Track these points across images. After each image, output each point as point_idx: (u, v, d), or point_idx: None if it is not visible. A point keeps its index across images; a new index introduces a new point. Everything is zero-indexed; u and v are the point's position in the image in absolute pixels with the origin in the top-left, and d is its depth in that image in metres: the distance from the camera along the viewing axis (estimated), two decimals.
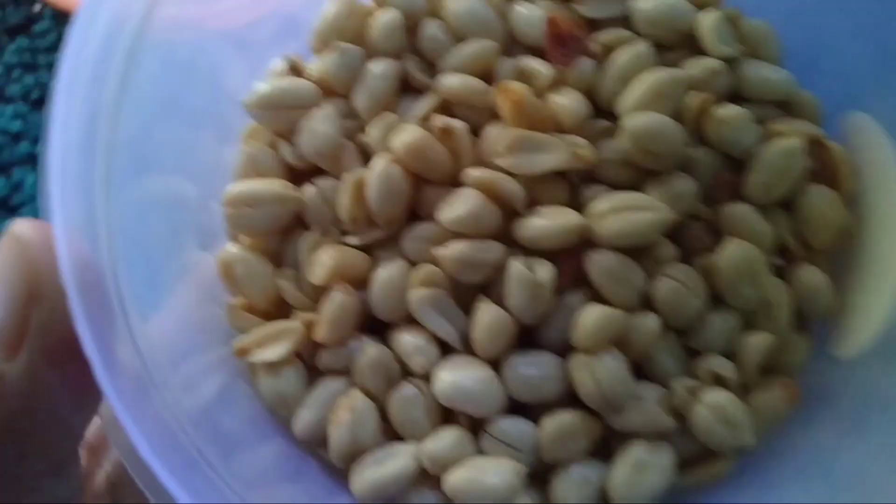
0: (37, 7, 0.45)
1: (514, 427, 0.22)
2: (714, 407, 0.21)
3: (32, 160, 0.43)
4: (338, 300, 0.23)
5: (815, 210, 0.22)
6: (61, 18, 0.44)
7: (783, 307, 0.22)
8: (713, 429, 0.21)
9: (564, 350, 0.22)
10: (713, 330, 0.22)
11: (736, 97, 0.23)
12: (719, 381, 0.21)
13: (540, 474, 0.22)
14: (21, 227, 0.17)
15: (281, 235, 0.25)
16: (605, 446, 0.22)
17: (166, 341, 0.22)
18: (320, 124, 0.24)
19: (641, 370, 0.22)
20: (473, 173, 0.23)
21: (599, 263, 0.22)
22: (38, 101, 0.44)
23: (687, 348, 0.22)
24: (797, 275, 0.22)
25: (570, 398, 0.22)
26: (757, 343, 0.21)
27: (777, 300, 0.22)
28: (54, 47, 0.45)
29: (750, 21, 0.24)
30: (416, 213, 0.24)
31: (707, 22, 0.23)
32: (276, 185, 0.24)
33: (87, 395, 0.17)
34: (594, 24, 0.25)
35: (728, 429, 0.21)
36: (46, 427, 0.17)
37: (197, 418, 0.21)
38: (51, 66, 0.44)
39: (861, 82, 0.23)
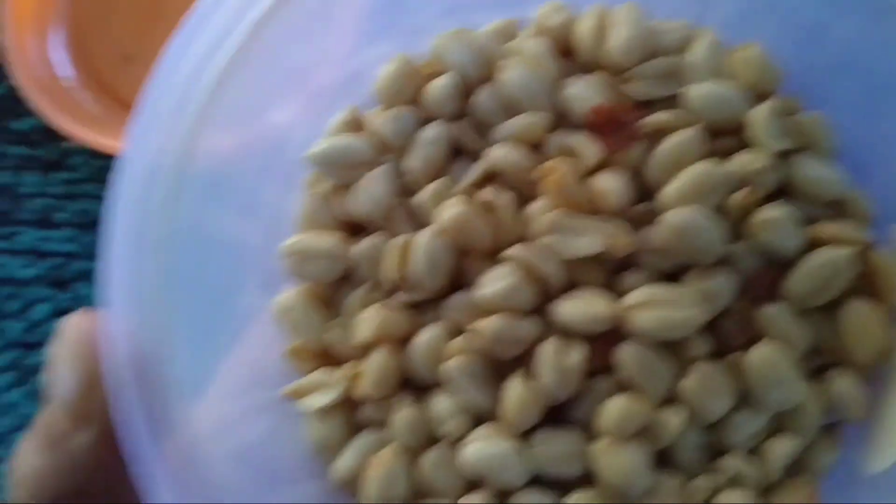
0: (67, 144, 0.50)
1: (539, 501, 0.23)
2: None
3: (88, 276, 0.47)
4: (381, 360, 0.24)
5: (857, 325, 0.22)
6: (92, 153, 0.49)
7: (812, 412, 0.22)
8: None
9: (590, 430, 0.23)
10: (740, 430, 0.22)
11: (784, 193, 0.23)
12: (739, 479, 0.22)
13: None
14: (79, 316, 0.19)
15: (334, 285, 0.26)
16: None
17: (224, 386, 0.24)
18: (373, 185, 0.25)
19: (665, 461, 0.23)
20: (514, 252, 0.23)
21: (630, 354, 0.22)
22: (87, 224, 0.48)
23: (712, 445, 0.23)
24: (831, 380, 0.22)
25: (591, 475, 0.23)
26: (782, 446, 0.22)
27: (807, 404, 0.22)
28: (91, 178, 0.50)
29: (805, 114, 0.23)
30: (459, 282, 0.25)
31: (760, 115, 0.23)
32: (328, 243, 0.26)
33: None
34: (647, 105, 0.25)
35: None
36: (109, 494, 0.19)
37: (239, 454, 0.23)
38: (91, 195, 0.49)
39: None
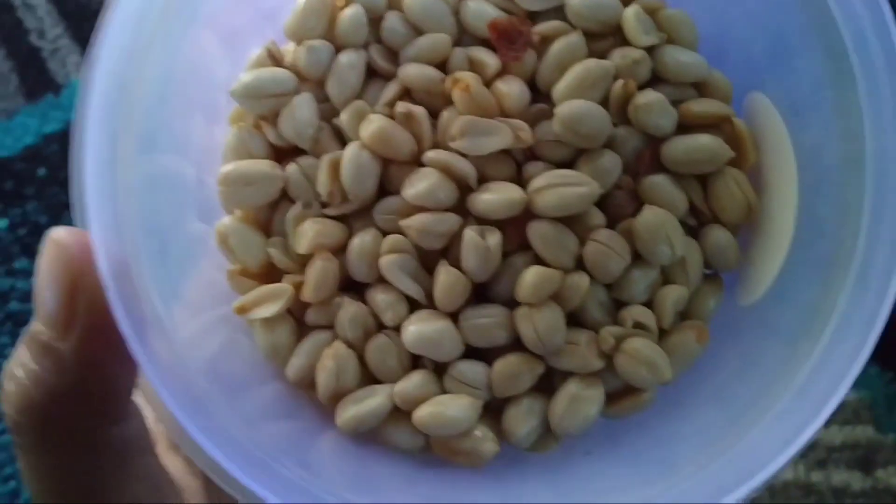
0: None
1: (471, 369, 0.26)
2: (634, 352, 0.25)
3: None
4: (320, 265, 0.27)
5: (723, 190, 0.26)
6: None
7: (694, 263, 0.26)
8: (635, 370, 0.25)
9: (511, 303, 0.26)
10: (636, 284, 0.26)
11: (657, 80, 0.27)
12: (641, 326, 0.26)
13: (494, 407, 0.27)
14: (58, 232, 0.21)
15: (269, 208, 0.29)
16: (548, 383, 0.27)
17: (185, 306, 0.26)
18: (300, 111, 0.28)
19: (576, 319, 0.26)
20: (431, 155, 0.26)
21: (538, 231, 0.26)
22: None
23: (615, 300, 0.26)
24: (707, 235, 0.26)
25: (516, 343, 0.26)
26: (671, 294, 0.26)
27: (689, 257, 0.26)
28: None
29: (669, 11, 0.27)
30: (385, 188, 0.28)
31: (630, 14, 0.26)
32: (263, 165, 0.28)
33: (128, 355, 0.21)
34: (534, 16, 0.28)
35: (648, 369, 0.25)
36: (102, 387, 0.21)
37: (206, 366, 0.26)
38: None
39: (760, 66, 0.26)
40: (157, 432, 0.25)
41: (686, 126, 0.27)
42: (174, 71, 0.28)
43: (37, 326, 0.21)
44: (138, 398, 0.24)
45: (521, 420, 0.26)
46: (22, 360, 0.21)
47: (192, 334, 0.25)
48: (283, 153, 0.29)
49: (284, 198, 0.29)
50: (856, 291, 0.22)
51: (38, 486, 0.22)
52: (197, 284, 0.28)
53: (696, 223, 0.27)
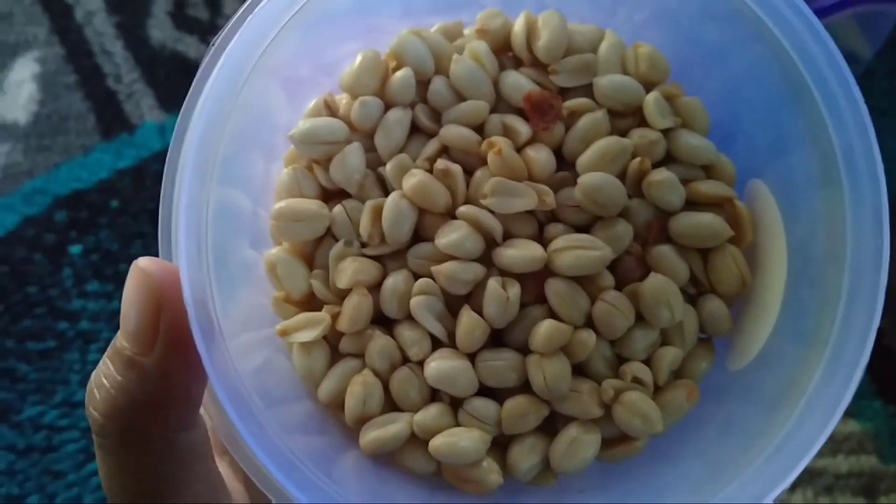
0: None
1: (483, 406, 0.29)
2: (631, 404, 0.28)
3: None
4: (356, 300, 0.30)
5: (721, 264, 0.29)
6: None
7: (690, 328, 0.29)
8: (630, 420, 0.28)
9: (524, 349, 0.29)
10: (637, 343, 0.29)
11: (670, 159, 0.30)
12: (638, 381, 0.29)
13: (501, 443, 0.30)
14: (143, 261, 0.24)
15: (314, 243, 0.32)
16: (552, 425, 0.29)
17: (233, 324, 0.30)
18: (350, 158, 0.31)
19: (581, 370, 0.29)
20: (463, 210, 0.30)
21: (555, 288, 0.29)
22: None
23: (617, 355, 0.29)
24: (704, 303, 0.29)
25: (525, 386, 0.29)
26: (668, 354, 0.29)
27: (686, 322, 0.29)
28: None
29: (685, 98, 0.30)
30: (420, 235, 0.31)
31: (650, 100, 0.29)
32: (313, 205, 0.31)
33: (200, 371, 0.24)
34: (565, 92, 0.31)
35: (642, 420, 0.28)
36: (177, 397, 0.25)
37: (250, 380, 0.29)
38: None
39: (762, 156, 0.29)
40: (213, 440, 0.29)
41: (693, 203, 0.30)
42: (245, 116, 0.32)
43: (121, 342, 0.24)
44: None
45: (525, 456, 0.29)
46: (108, 371, 0.24)
47: (239, 350, 0.29)
48: (329, 195, 0.32)
49: (328, 235, 0.32)
50: (827, 372, 0.25)
51: (115, 485, 0.25)
52: (244, 305, 0.31)
53: (694, 292, 0.30)
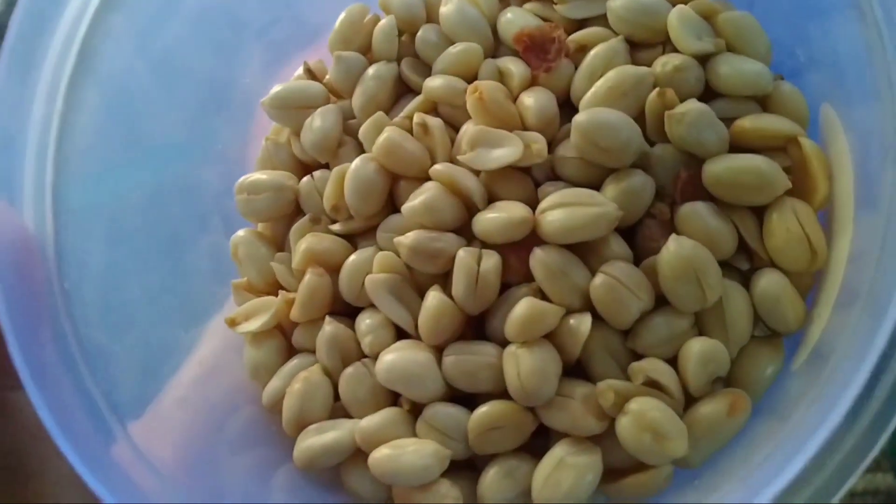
0: None
1: (448, 413, 0.22)
2: (639, 414, 0.20)
3: None
4: (308, 282, 0.24)
5: (782, 225, 0.21)
6: None
7: (739, 315, 0.20)
8: (637, 436, 0.20)
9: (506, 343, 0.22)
10: (655, 333, 0.21)
11: (713, 94, 0.22)
12: (656, 386, 0.20)
13: (480, 467, 0.22)
14: None
15: (287, 222, 0.27)
16: (544, 445, 0.22)
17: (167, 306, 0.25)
18: (320, 120, 0.26)
19: (583, 371, 0.22)
20: (435, 167, 0.24)
21: (540, 258, 0.22)
22: None
23: (632, 352, 0.21)
24: (757, 280, 0.21)
25: (506, 393, 0.22)
26: (698, 348, 0.20)
27: (732, 306, 0.20)
28: None
29: (729, 14, 0.22)
30: (397, 207, 0.25)
31: (675, 17, 0.22)
32: (276, 175, 0.27)
33: None
34: (578, 25, 0.25)
35: (653, 437, 0.19)
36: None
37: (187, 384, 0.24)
38: None
39: (838, 75, 0.21)
40: None
41: (742, 149, 0.22)
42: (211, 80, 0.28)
43: None
44: None
45: (497, 485, 0.21)
46: None
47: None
48: (309, 168, 0.27)
49: (302, 213, 0.27)
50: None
51: None
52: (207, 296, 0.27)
53: (748, 267, 0.21)
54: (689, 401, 0.21)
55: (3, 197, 0.20)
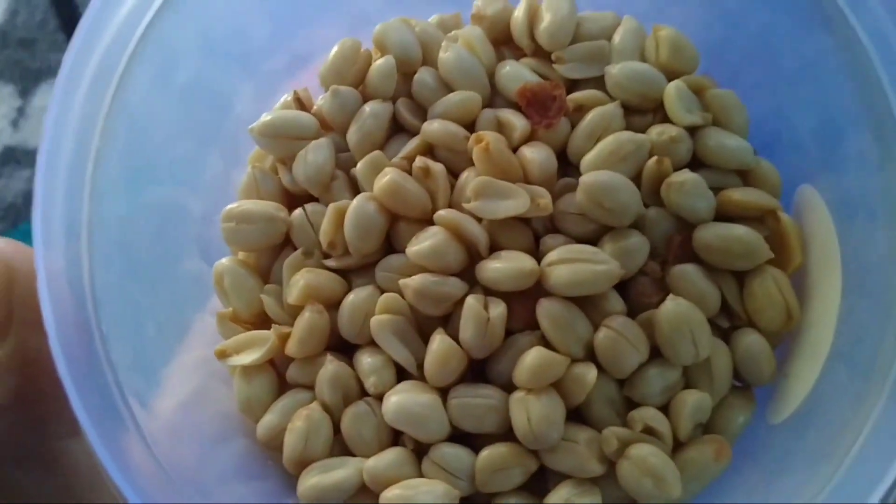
0: None
1: (453, 454, 0.23)
2: (640, 460, 0.22)
3: None
4: (307, 318, 0.25)
5: (763, 290, 0.23)
6: None
7: (721, 369, 0.23)
8: (638, 481, 0.22)
9: (510, 387, 0.23)
10: (651, 383, 0.23)
11: (699, 164, 0.24)
12: (651, 432, 0.22)
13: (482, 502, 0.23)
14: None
15: (272, 253, 0.27)
16: (542, 485, 0.23)
17: (160, 342, 0.25)
18: (314, 154, 0.26)
19: (581, 416, 0.23)
20: (442, 213, 0.24)
21: (547, 309, 0.23)
22: None
23: (627, 399, 0.23)
24: (739, 339, 0.23)
25: (509, 434, 0.23)
26: (690, 399, 0.22)
27: (716, 361, 0.23)
28: None
29: (716, 91, 0.25)
30: (394, 247, 0.26)
31: (672, 91, 0.24)
32: (268, 207, 0.26)
33: None
34: (575, 84, 0.26)
35: (654, 482, 0.21)
36: (52, 391, 0.19)
37: (173, 416, 0.24)
38: None
39: (810, 154, 0.24)
40: None
41: (726, 217, 0.24)
42: (195, 101, 0.27)
43: None
44: None
45: None
46: None
47: (161, 370, 0.24)
48: (295, 200, 0.27)
49: (290, 246, 0.27)
50: (890, 406, 0.18)
51: None
52: (180, 323, 0.26)
53: (728, 325, 0.24)
54: (675, 444, 0.23)
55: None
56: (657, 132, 0.24)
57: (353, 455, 0.24)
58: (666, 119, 0.25)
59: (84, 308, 0.20)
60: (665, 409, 0.23)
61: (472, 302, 0.23)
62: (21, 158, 0.53)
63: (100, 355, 0.20)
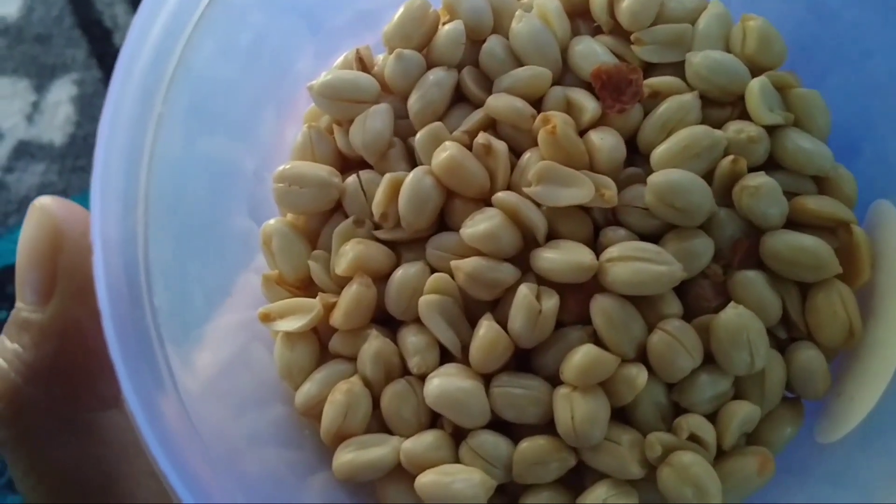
0: None
1: (492, 442, 0.23)
2: (683, 467, 0.21)
3: None
4: (355, 291, 0.24)
5: (827, 304, 0.22)
6: None
7: (774, 381, 0.22)
8: (679, 489, 0.21)
9: (554, 380, 0.23)
10: (701, 390, 0.22)
11: (774, 166, 0.23)
12: (696, 440, 0.22)
13: (512, 492, 0.23)
14: (43, 199, 0.19)
15: (322, 218, 0.27)
16: (579, 479, 0.23)
17: (204, 302, 0.24)
18: (372, 120, 0.26)
19: (625, 416, 0.23)
20: (500, 195, 0.24)
21: (603, 306, 0.22)
22: None
23: (674, 404, 0.23)
24: (796, 352, 0.22)
25: (549, 426, 0.23)
26: (740, 411, 0.22)
27: (770, 373, 0.22)
28: None
29: (801, 90, 0.23)
30: (446, 223, 0.25)
31: (756, 87, 0.23)
32: (322, 171, 0.26)
33: None
34: (651, 68, 0.25)
35: (694, 492, 0.21)
36: (88, 362, 0.19)
37: (216, 369, 0.23)
38: None
39: (893, 169, 0.22)
40: None
41: (797, 224, 0.23)
42: (257, 59, 0.27)
43: (18, 304, 0.19)
44: None
45: None
46: (1, 346, 0.19)
47: (199, 328, 0.24)
48: (349, 164, 0.27)
49: (340, 211, 0.26)
50: None
51: (31, 485, 0.20)
52: (225, 281, 0.26)
53: (786, 336, 0.23)
54: (718, 452, 0.22)
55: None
56: (735, 129, 0.23)
57: (390, 432, 0.24)
58: (744, 114, 0.24)
59: (137, 284, 0.20)
60: (712, 416, 0.22)
61: (525, 291, 0.23)
62: (35, 153, 0.54)
63: (150, 332, 0.19)
